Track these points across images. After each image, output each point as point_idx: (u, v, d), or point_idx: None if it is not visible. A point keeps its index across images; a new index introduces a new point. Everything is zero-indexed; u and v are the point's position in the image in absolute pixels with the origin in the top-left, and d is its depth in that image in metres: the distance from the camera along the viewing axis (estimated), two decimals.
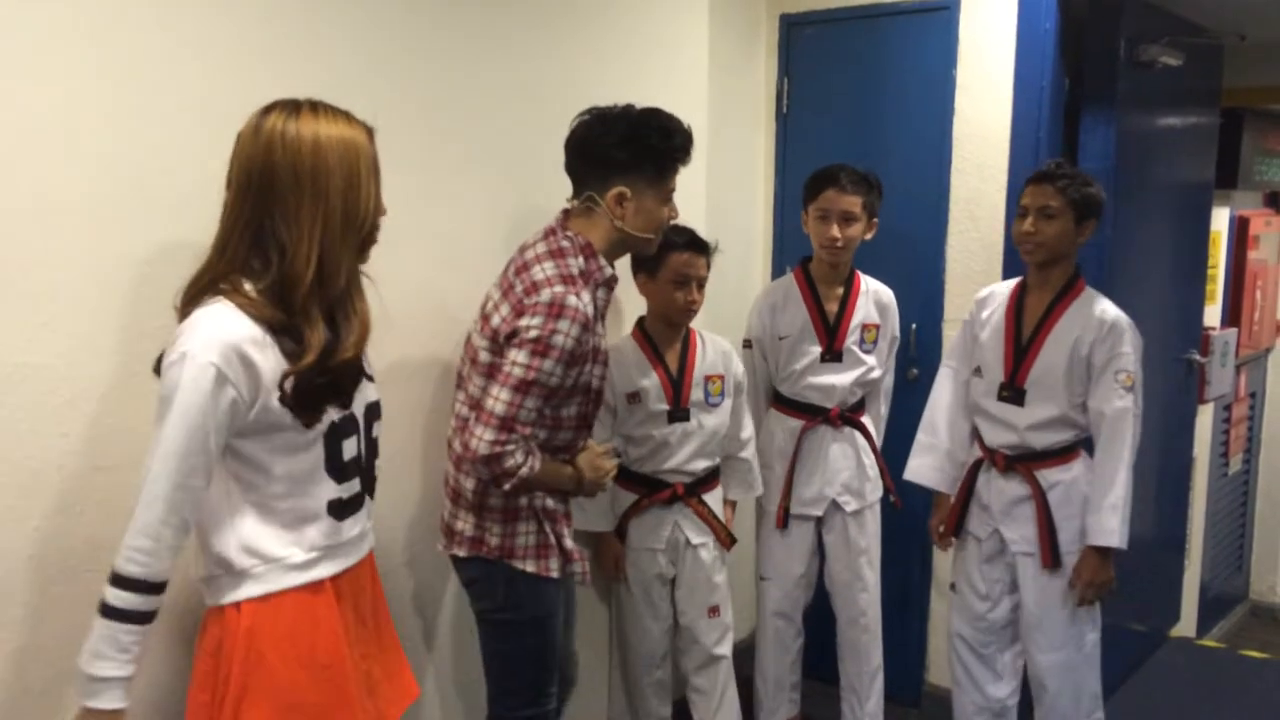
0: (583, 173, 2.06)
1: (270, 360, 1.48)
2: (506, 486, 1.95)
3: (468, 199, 2.33)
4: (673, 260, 2.51)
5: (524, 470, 1.93)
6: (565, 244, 2.02)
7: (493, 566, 2.07)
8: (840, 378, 2.79)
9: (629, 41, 2.78)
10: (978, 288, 3.00)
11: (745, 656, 3.14)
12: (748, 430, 2.77)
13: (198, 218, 1.62)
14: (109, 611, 1.42)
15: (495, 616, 2.12)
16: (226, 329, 1.44)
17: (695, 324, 2.68)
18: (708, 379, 2.64)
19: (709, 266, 2.57)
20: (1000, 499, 2.57)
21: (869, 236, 2.77)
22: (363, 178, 1.52)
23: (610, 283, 2.08)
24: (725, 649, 2.73)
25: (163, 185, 1.75)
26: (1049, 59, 2.85)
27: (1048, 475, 2.51)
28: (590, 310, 1.97)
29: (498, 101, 2.39)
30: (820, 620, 2.99)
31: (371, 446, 1.68)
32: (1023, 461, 2.53)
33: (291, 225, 1.48)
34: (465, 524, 2.08)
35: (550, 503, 2.09)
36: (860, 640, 2.90)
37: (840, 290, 2.82)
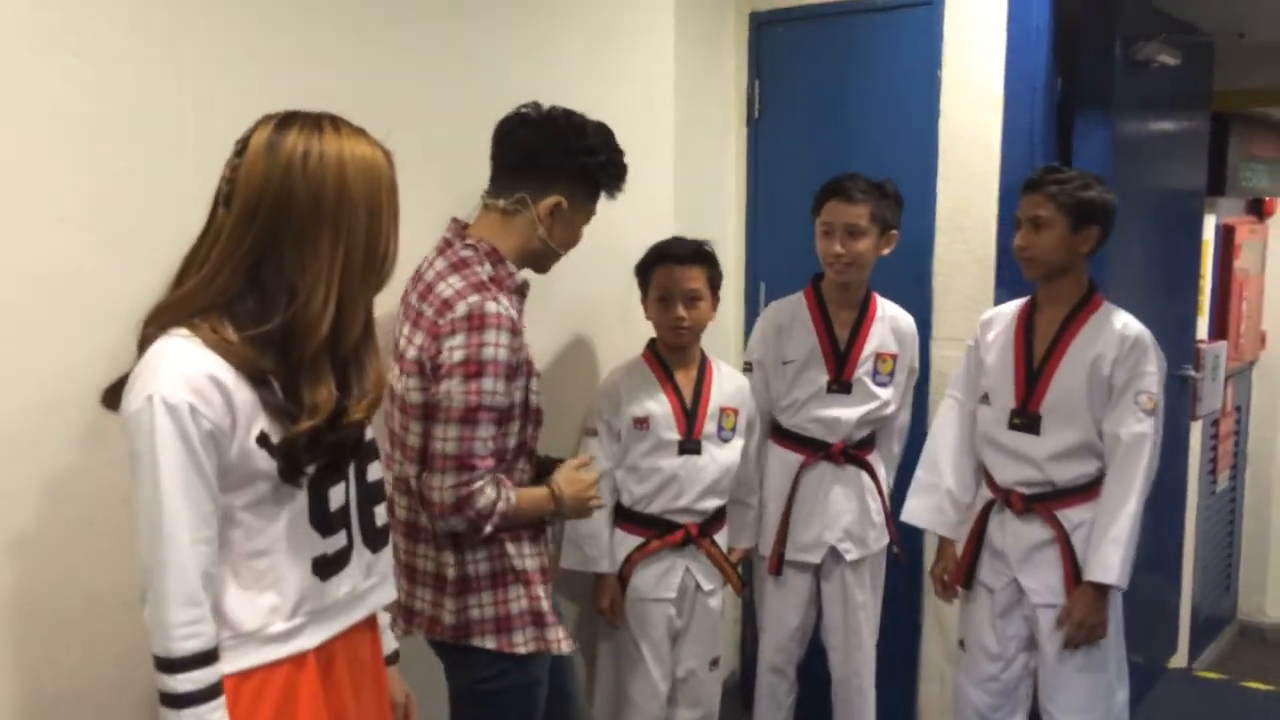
0: (520, 174, 1.86)
1: (245, 396, 1.28)
2: (488, 528, 1.75)
3: (413, 201, 2.09)
4: (656, 275, 2.36)
5: (501, 505, 1.74)
6: (467, 254, 1.81)
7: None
8: (847, 411, 2.54)
9: (589, 37, 2.55)
10: (967, 304, 2.80)
11: (730, 699, 2.93)
12: (754, 474, 2.57)
13: (131, 220, 1.50)
14: (183, 700, 1.25)
15: (477, 688, 1.88)
16: (192, 362, 1.26)
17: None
18: (722, 411, 2.43)
19: (708, 280, 2.37)
20: (1017, 545, 2.33)
21: (886, 251, 2.53)
22: (384, 208, 1.35)
23: (522, 290, 1.87)
24: (718, 701, 2.55)
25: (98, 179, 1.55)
26: (1042, 57, 2.66)
27: (1070, 515, 2.27)
28: (514, 314, 1.76)
29: (445, 98, 2.17)
30: (815, 672, 2.74)
31: (368, 492, 1.46)
32: (1042, 501, 2.29)
33: (309, 263, 1.29)
34: (423, 603, 1.85)
35: (529, 563, 1.85)
36: (853, 702, 2.66)
37: (853, 314, 2.57)
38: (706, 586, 2.44)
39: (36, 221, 1.49)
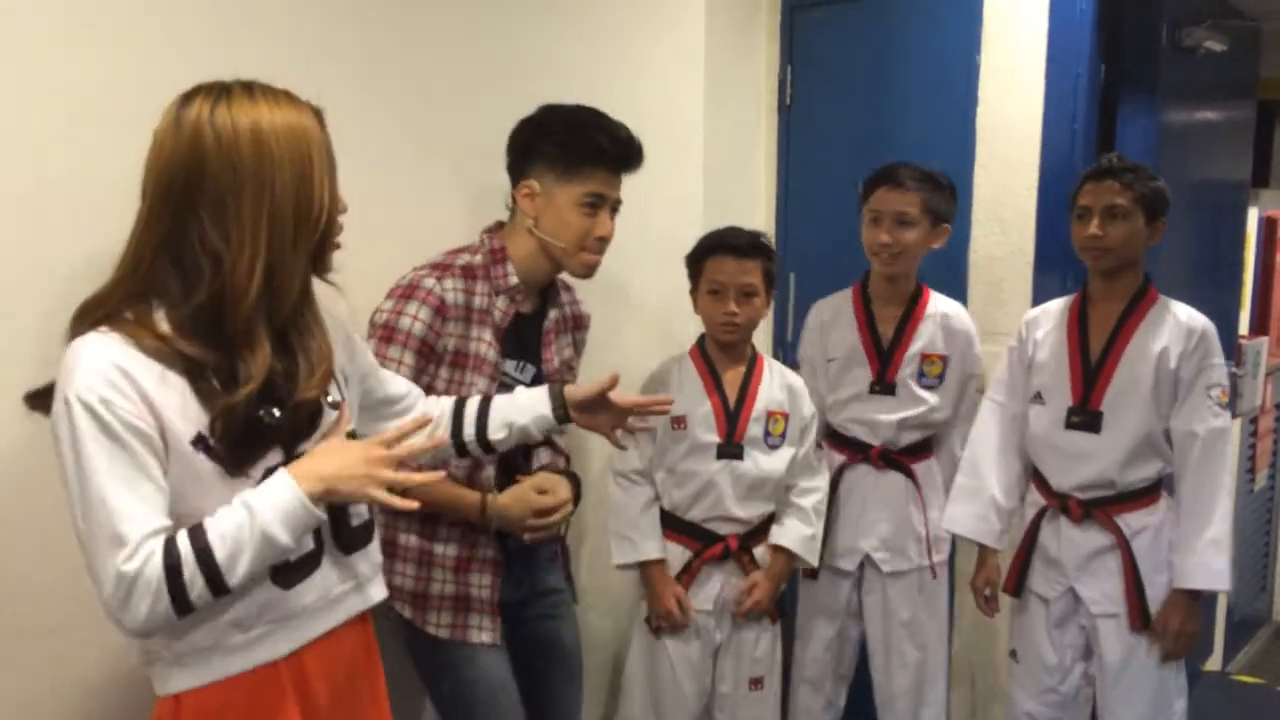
0: (510, 173, 1.89)
1: (174, 398, 1.21)
2: None
3: (434, 192, 2.05)
4: (708, 267, 2.24)
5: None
6: (475, 244, 1.86)
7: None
8: (888, 414, 2.40)
9: (616, 22, 2.47)
10: (1004, 299, 2.72)
11: None
12: (818, 482, 2.37)
13: (86, 224, 1.39)
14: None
15: (428, 674, 1.88)
16: (101, 355, 1.20)
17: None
18: (770, 415, 2.29)
19: (765, 274, 2.25)
20: (1074, 552, 2.21)
21: (936, 245, 2.41)
22: (316, 168, 1.27)
23: (512, 293, 1.84)
24: None
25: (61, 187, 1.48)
26: (1086, 42, 2.55)
27: (1131, 520, 2.17)
28: (453, 298, 1.75)
29: (465, 84, 2.10)
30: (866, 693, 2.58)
31: None
32: (1101, 506, 2.19)
33: (231, 229, 1.23)
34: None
35: (450, 549, 1.81)
36: None
37: (899, 310, 2.44)
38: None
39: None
